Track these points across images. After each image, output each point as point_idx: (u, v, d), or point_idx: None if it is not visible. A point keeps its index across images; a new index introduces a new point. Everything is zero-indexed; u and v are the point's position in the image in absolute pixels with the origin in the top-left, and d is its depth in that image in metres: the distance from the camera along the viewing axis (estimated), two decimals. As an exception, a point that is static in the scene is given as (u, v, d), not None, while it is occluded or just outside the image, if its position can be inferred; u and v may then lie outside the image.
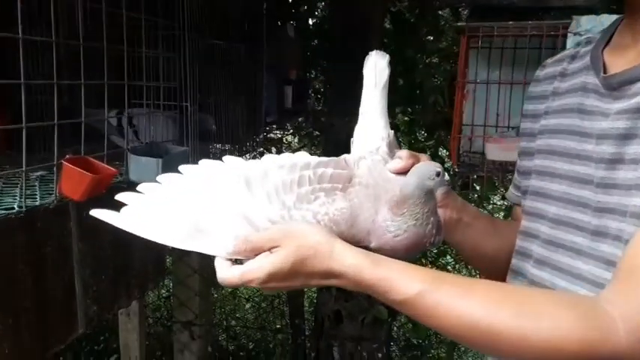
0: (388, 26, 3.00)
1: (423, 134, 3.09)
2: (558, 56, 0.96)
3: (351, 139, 0.89)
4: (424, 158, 0.85)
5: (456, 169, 2.15)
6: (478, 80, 2.20)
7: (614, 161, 0.75)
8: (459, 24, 2.08)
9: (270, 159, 0.83)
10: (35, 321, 1.99)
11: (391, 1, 2.84)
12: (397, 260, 0.71)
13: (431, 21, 2.80)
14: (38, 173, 1.36)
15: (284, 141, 3.68)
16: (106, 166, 1.26)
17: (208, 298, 3.44)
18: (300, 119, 3.38)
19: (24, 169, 1.07)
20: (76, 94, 1.24)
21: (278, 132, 3.39)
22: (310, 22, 3.62)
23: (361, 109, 0.91)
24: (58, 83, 1.08)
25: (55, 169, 1.19)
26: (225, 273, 0.71)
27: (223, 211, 0.76)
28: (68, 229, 2.01)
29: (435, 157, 2.88)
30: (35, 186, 1.27)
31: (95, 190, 1.22)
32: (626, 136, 0.74)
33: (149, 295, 3.68)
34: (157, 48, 1.50)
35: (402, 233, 0.74)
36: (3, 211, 1.06)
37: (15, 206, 1.09)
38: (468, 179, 2.36)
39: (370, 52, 0.93)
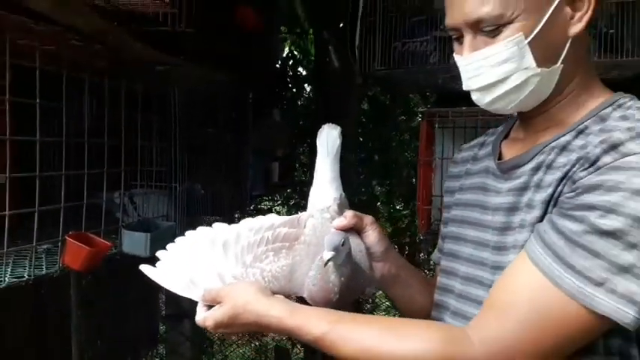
0: (366, 107, 3.33)
1: (401, 204, 3.33)
2: (472, 143, 1.16)
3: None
4: (368, 220, 1.00)
5: (421, 237, 2.35)
6: (444, 157, 2.44)
7: (505, 229, 0.93)
8: (420, 109, 2.37)
9: (245, 223, 0.99)
10: (34, 383, 2.16)
11: (367, 86, 3.17)
12: (311, 307, 0.89)
13: (403, 104, 3.11)
14: (45, 246, 1.58)
15: (273, 211, 3.92)
16: (103, 240, 1.49)
17: (200, 366, 3.53)
18: (288, 190, 3.62)
19: (34, 244, 1.31)
20: (83, 179, 1.50)
21: (268, 203, 3.63)
22: (299, 102, 3.96)
23: (315, 174, 1.03)
24: (65, 174, 1.34)
25: (59, 243, 1.42)
26: (198, 315, 0.93)
27: (207, 269, 0.95)
28: (68, 296, 2.21)
29: (411, 224, 3.09)
30: (42, 257, 1.49)
31: (93, 260, 1.45)
32: (512, 209, 0.94)
33: (143, 363, 3.78)
34: (151, 139, 1.78)
35: (316, 284, 0.89)
36: (15, 279, 1.28)
37: (25, 275, 1.31)
38: (437, 246, 2.54)
39: (323, 125, 1.04)
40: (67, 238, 1.40)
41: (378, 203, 3.27)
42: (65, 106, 1.38)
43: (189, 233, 1.02)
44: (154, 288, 3.19)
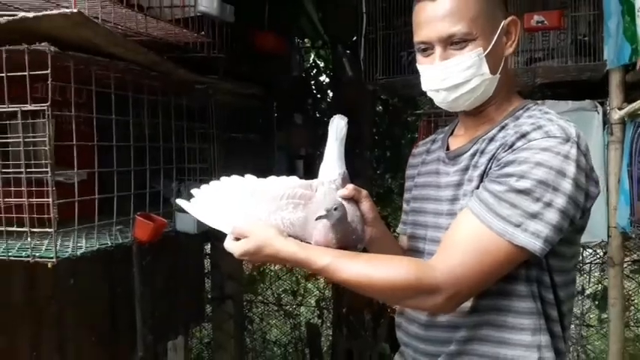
0: (379, 109, 3.72)
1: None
2: (426, 139, 1.50)
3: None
4: (364, 193, 1.22)
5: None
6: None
7: (454, 199, 1.21)
8: (417, 112, 2.77)
9: (271, 179, 1.20)
10: (109, 341, 2.68)
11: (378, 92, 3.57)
12: (315, 246, 1.11)
13: (411, 105, 3.50)
14: (119, 227, 2.06)
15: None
16: (162, 218, 1.98)
17: (242, 341, 4.01)
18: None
19: (114, 219, 1.80)
20: (145, 173, 2.00)
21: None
22: (322, 106, 4.40)
23: (325, 153, 1.23)
24: (134, 169, 1.84)
25: (131, 221, 1.91)
26: (226, 243, 1.15)
27: (235, 209, 1.14)
28: (132, 274, 2.71)
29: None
30: (117, 233, 1.98)
31: (155, 234, 1.93)
32: (458, 184, 1.22)
33: (192, 342, 4.29)
34: (194, 142, 2.27)
35: (321, 234, 1.11)
36: (102, 245, 1.77)
37: (108, 242, 1.81)
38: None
39: (334, 115, 1.23)
40: (136, 216, 1.88)
41: (393, 195, 3.65)
42: (131, 118, 1.89)
43: (223, 179, 1.19)
44: (200, 269, 3.67)
